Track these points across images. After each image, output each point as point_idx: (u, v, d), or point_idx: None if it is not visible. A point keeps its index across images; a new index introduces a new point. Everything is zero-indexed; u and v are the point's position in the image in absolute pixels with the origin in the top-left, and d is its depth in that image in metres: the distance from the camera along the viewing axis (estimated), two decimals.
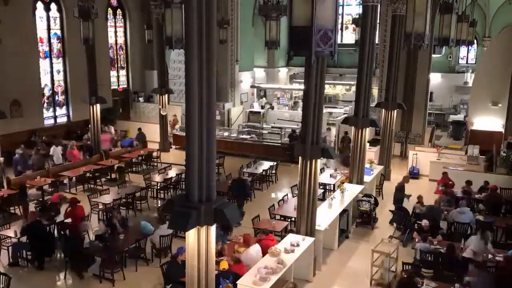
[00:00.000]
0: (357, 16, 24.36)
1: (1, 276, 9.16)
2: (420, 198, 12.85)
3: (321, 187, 14.27)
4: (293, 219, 11.80)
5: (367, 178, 14.33)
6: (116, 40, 25.08)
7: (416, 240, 10.88)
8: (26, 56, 19.35)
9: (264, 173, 16.69)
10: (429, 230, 11.06)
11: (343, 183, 13.84)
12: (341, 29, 30.27)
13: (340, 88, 29.27)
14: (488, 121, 19.74)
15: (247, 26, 25.57)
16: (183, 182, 14.94)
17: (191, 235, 6.58)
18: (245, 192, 14.15)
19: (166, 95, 20.78)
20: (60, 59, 21.59)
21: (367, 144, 14.82)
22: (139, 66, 26.37)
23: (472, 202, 13.22)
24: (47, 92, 21.13)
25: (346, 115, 20.14)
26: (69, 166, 16.69)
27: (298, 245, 9.74)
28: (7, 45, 18.25)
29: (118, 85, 25.37)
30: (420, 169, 17.75)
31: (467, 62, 29.62)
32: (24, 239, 10.88)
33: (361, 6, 15.35)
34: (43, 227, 11.10)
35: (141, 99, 25.97)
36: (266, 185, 16.76)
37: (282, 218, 12.30)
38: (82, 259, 10.37)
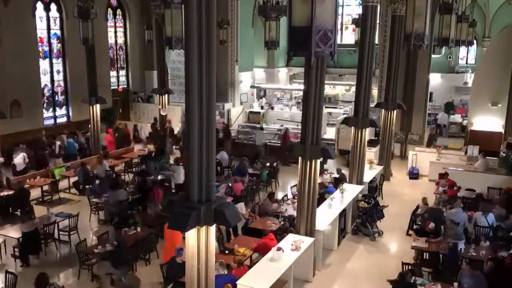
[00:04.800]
0: (357, 16, 24.37)
1: (7, 274, 9.17)
2: (424, 199, 12.85)
3: None
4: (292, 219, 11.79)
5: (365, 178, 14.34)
6: (116, 40, 25.08)
7: (414, 240, 10.93)
8: (26, 56, 19.36)
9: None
10: (431, 231, 11.10)
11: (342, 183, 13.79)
12: (341, 29, 30.27)
13: (340, 89, 29.26)
14: (488, 121, 19.73)
15: (247, 26, 25.58)
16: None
17: (190, 235, 6.58)
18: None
19: (166, 95, 20.76)
20: (60, 59, 21.59)
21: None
22: (139, 66, 26.37)
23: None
24: (47, 92, 21.14)
25: (346, 115, 20.14)
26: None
27: (297, 246, 9.74)
28: (7, 45, 18.25)
29: (118, 85, 25.36)
30: (420, 169, 17.75)
31: (466, 63, 29.65)
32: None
33: (361, 6, 15.35)
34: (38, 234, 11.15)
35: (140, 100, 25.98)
36: (266, 186, 16.74)
37: (282, 219, 12.29)
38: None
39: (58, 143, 18.58)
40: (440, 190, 14.29)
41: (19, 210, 13.36)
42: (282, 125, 22.01)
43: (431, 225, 11.15)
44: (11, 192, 13.59)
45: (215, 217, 6.51)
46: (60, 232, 11.80)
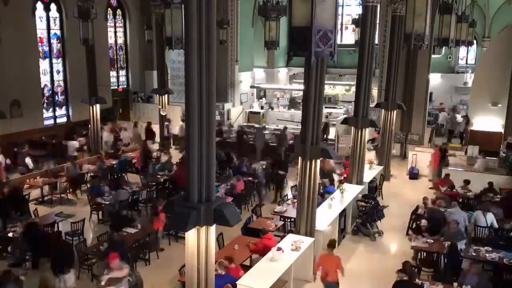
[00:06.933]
0: (357, 16, 24.36)
1: None
2: (426, 199, 12.81)
3: None
4: (292, 219, 11.79)
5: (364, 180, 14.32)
6: (116, 40, 25.06)
7: (412, 239, 10.95)
8: (26, 56, 19.34)
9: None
10: (428, 230, 11.11)
11: (342, 183, 13.82)
12: (341, 29, 30.26)
13: (340, 89, 29.26)
14: (487, 121, 19.74)
15: (247, 26, 25.58)
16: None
17: (190, 235, 6.59)
18: None
19: (166, 95, 20.76)
20: (60, 59, 21.56)
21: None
22: (139, 66, 26.36)
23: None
24: (47, 92, 21.12)
25: (345, 116, 20.14)
26: None
27: (297, 246, 9.74)
28: (7, 45, 18.24)
29: (118, 85, 25.36)
30: (420, 169, 17.74)
31: (466, 63, 29.65)
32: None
33: (361, 6, 15.35)
34: (39, 229, 11.05)
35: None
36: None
37: (282, 219, 12.29)
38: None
39: None
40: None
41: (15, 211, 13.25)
42: (277, 125, 22.08)
43: (424, 222, 11.19)
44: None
45: (215, 217, 6.52)
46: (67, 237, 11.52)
